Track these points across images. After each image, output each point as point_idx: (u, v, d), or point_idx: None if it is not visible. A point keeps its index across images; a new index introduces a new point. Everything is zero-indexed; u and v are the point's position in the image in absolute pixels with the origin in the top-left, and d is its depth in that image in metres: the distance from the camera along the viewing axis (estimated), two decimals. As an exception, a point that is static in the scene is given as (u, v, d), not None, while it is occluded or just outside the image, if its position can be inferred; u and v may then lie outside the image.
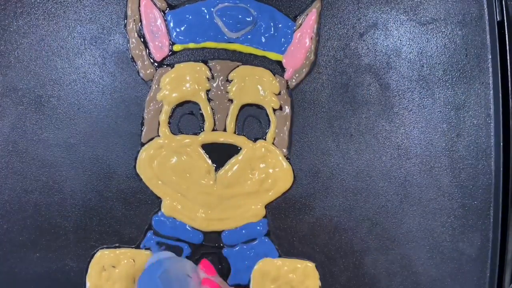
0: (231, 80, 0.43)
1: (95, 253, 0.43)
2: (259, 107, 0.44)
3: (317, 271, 0.44)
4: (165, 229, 0.43)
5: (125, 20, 0.43)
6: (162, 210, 0.43)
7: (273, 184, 0.44)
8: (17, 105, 0.42)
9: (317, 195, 0.44)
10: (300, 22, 0.44)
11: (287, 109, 0.44)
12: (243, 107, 0.43)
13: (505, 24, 0.44)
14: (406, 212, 0.44)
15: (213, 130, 0.43)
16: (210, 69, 0.43)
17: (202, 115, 0.43)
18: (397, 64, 0.44)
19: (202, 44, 0.43)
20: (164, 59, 0.43)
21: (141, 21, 0.43)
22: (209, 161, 0.43)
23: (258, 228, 0.44)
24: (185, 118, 0.43)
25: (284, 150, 0.44)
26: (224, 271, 0.44)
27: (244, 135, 0.44)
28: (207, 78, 0.43)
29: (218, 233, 0.44)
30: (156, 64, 0.43)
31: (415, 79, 0.44)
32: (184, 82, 0.43)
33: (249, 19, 0.43)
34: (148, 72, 0.43)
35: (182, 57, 0.43)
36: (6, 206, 0.42)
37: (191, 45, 0.43)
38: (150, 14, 0.43)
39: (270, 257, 0.44)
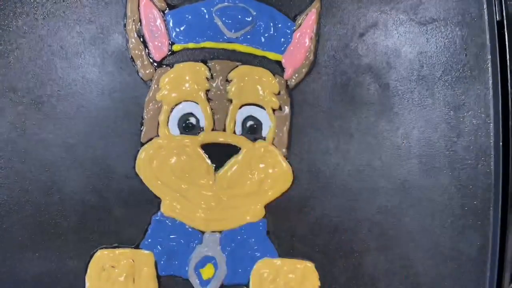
0: (231, 80, 0.43)
1: (94, 253, 0.43)
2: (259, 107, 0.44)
3: (316, 271, 0.44)
4: (164, 229, 0.43)
5: (125, 20, 0.43)
6: (162, 210, 0.43)
7: (273, 184, 0.44)
8: (16, 105, 0.42)
9: (317, 195, 0.44)
10: (299, 22, 0.44)
11: (286, 109, 0.44)
12: (242, 107, 0.43)
13: (505, 24, 0.44)
14: (406, 212, 0.44)
15: (213, 130, 0.43)
16: (210, 69, 0.43)
17: (201, 115, 0.43)
18: (397, 64, 0.44)
19: (202, 44, 0.43)
20: (163, 59, 0.43)
21: (140, 21, 0.43)
22: (209, 161, 0.43)
23: (258, 228, 0.44)
24: (185, 118, 0.43)
25: (284, 150, 0.44)
26: (223, 271, 0.44)
27: (244, 135, 0.44)
28: (207, 78, 0.43)
29: (218, 233, 0.44)
30: (155, 64, 0.43)
31: (414, 79, 0.44)
32: (183, 82, 0.43)
33: (248, 19, 0.43)
34: (147, 72, 0.43)
35: (181, 57, 0.43)
36: (5, 206, 0.42)
37: (191, 45, 0.43)
38: (150, 14, 0.43)
39: (270, 257, 0.44)
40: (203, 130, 0.43)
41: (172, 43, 0.43)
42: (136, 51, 0.43)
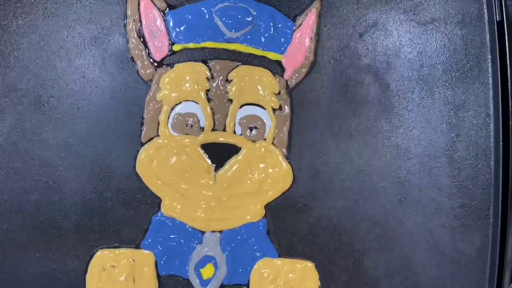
0: (231, 80, 0.43)
1: (95, 253, 0.43)
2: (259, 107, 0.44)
3: (316, 271, 0.44)
4: (164, 229, 0.43)
5: (125, 20, 0.43)
6: (162, 210, 0.43)
7: (273, 184, 0.44)
8: (16, 105, 0.42)
9: (317, 195, 0.44)
10: (299, 22, 0.44)
11: (286, 109, 0.44)
12: (242, 107, 0.43)
13: (505, 24, 0.45)
14: (406, 212, 0.44)
15: (213, 130, 0.43)
16: (210, 69, 0.43)
17: (201, 114, 0.43)
18: (396, 64, 0.44)
19: (202, 44, 0.43)
20: (163, 59, 0.43)
21: (140, 21, 0.43)
22: (209, 161, 0.43)
23: (258, 228, 0.44)
24: (184, 118, 0.43)
25: (284, 150, 0.44)
26: (223, 271, 0.44)
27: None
28: (207, 78, 0.43)
29: (218, 233, 0.44)
30: (155, 64, 0.43)
31: (414, 79, 0.44)
32: (183, 82, 0.43)
33: (248, 19, 0.43)
34: (147, 72, 0.43)
35: (181, 57, 0.43)
36: (5, 206, 0.42)
37: (191, 45, 0.43)
38: (150, 14, 0.43)
39: (270, 257, 0.44)
40: (203, 130, 0.43)
41: (172, 43, 0.43)
42: (136, 51, 0.43)
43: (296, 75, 0.44)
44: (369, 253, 0.44)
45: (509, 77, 0.44)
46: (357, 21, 0.45)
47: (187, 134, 0.43)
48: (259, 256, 0.44)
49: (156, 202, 0.43)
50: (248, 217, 0.44)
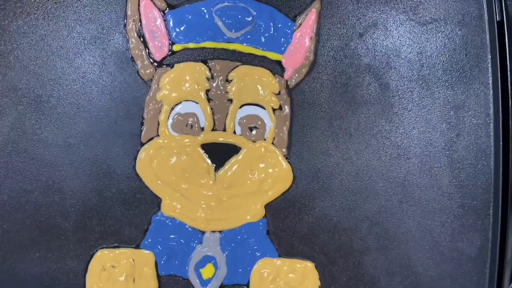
0: (231, 80, 0.43)
1: (94, 253, 0.43)
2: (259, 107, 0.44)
3: (316, 271, 0.44)
4: (164, 229, 0.43)
5: (125, 20, 0.43)
6: (162, 210, 0.43)
7: (273, 184, 0.44)
8: (16, 105, 0.42)
9: (317, 195, 0.44)
10: (299, 22, 0.44)
11: (286, 109, 0.44)
12: (242, 107, 0.43)
13: (505, 24, 0.45)
14: (406, 212, 0.44)
15: (213, 130, 0.43)
16: (210, 69, 0.43)
17: (201, 114, 0.43)
18: (396, 64, 0.44)
19: (202, 44, 0.43)
20: (163, 59, 0.43)
21: (140, 21, 0.43)
22: (209, 161, 0.43)
23: (258, 228, 0.44)
24: (184, 118, 0.43)
25: (284, 150, 0.44)
26: (223, 271, 0.44)
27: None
28: (207, 78, 0.43)
29: (218, 233, 0.44)
30: (155, 64, 0.43)
31: (414, 79, 0.44)
32: (183, 82, 0.43)
33: (248, 19, 0.43)
34: (147, 72, 0.43)
35: (181, 57, 0.43)
36: (5, 206, 0.43)
37: (191, 45, 0.43)
38: (150, 14, 0.43)
39: (270, 257, 0.44)
40: (203, 130, 0.43)
41: (172, 43, 0.43)
42: (136, 51, 0.43)
43: (296, 75, 0.44)
44: (369, 253, 0.44)
45: (509, 77, 0.44)
46: (357, 21, 0.45)
47: (187, 134, 0.43)
48: (259, 256, 0.44)
49: (156, 202, 0.43)
50: (248, 217, 0.44)
